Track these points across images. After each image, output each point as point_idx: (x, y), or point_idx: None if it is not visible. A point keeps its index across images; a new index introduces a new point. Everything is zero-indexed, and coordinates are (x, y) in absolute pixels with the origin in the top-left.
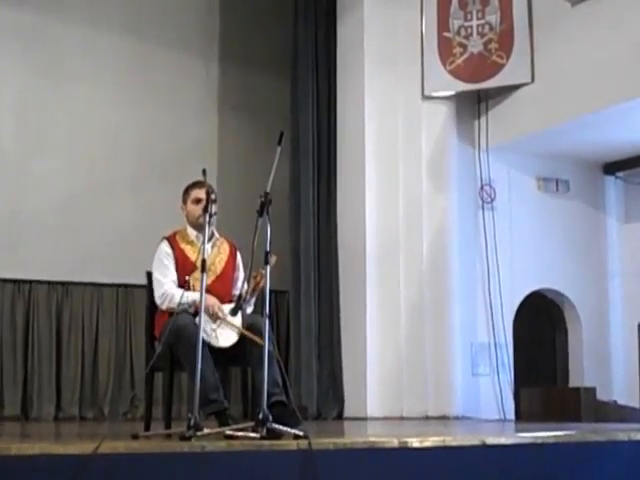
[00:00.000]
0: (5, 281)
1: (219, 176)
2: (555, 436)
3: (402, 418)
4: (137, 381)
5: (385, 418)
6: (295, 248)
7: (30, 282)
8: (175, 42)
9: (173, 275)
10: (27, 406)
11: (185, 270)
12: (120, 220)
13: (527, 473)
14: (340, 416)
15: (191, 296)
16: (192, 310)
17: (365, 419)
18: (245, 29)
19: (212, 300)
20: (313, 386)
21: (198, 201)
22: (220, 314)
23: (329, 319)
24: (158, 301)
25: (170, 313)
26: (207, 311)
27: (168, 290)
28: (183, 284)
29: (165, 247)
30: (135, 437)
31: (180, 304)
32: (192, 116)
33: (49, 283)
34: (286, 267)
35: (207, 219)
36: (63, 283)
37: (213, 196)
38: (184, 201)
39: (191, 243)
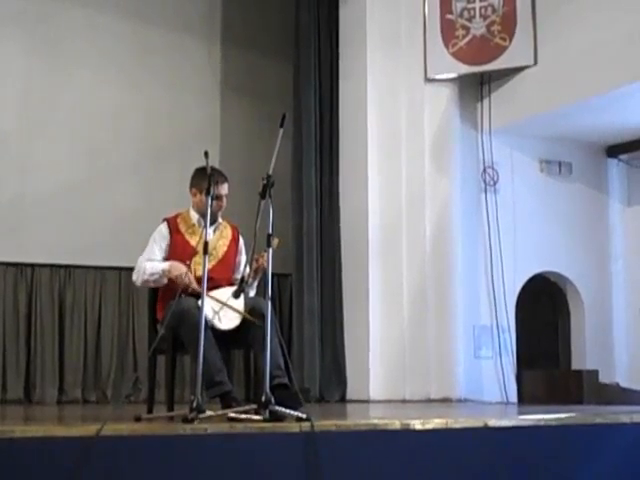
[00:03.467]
0: (7, 265)
1: (221, 159)
2: (557, 418)
3: (404, 401)
4: (140, 364)
5: (387, 401)
6: (298, 231)
7: (32, 265)
8: (177, 25)
9: (154, 254)
10: (30, 389)
11: (184, 254)
12: (122, 203)
13: (529, 455)
14: (343, 399)
15: (159, 266)
16: (165, 280)
17: (368, 402)
18: (247, 11)
19: (180, 268)
20: (316, 369)
21: (217, 197)
22: (187, 280)
23: (332, 302)
24: (133, 277)
25: (172, 296)
26: (177, 280)
27: (140, 264)
28: None
29: (162, 229)
30: (138, 419)
31: (152, 274)
32: (194, 99)
33: (51, 266)
34: (289, 250)
35: (209, 202)
36: (66, 266)
37: (225, 189)
38: (199, 187)
39: (192, 227)
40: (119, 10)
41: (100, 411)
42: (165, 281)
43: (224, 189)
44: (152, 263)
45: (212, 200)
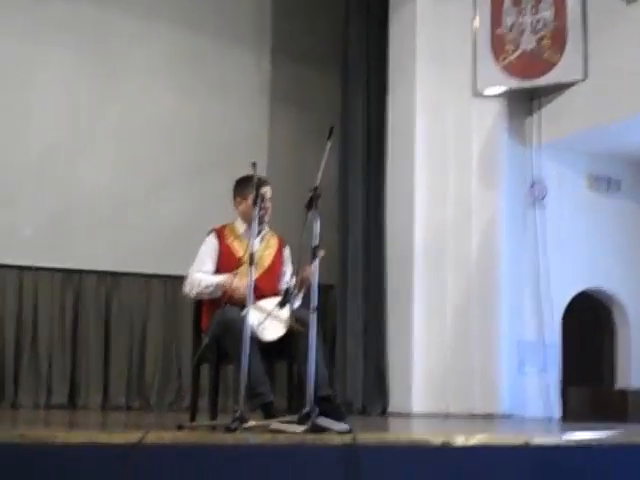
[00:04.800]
0: (55, 270)
1: (269, 169)
2: (600, 438)
3: (447, 415)
4: (184, 372)
5: (430, 415)
6: (343, 243)
7: (80, 272)
8: (228, 35)
9: (208, 267)
10: (75, 394)
11: (231, 265)
12: (170, 212)
13: (572, 474)
14: (385, 412)
15: (217, 278)
16: (219, 293)
17: (410, 415)
18: (297, 23)
19: (238, 283)
20: (358, 381)
21: (262, 200)
22: (238, 293)
23: (375, 314)
24: (186, 289)
25: (217, 306)
26: (235, 293)
27: (195, 276)
28: None
29: (212, 239)
30: (180, 428)
31: (207, 286)
32: (243, 109)
33: (98, 273)
34: (334, 261)
35: (256, 212)
36: (112, 273)
37: (269, 192)
38: (243, 195)
39: (239, 237)
40: (170, 19)
41: (143, 418)
42: (220, 293)
43: (268, 192)
44: (206, 275)
45: (259, 210)
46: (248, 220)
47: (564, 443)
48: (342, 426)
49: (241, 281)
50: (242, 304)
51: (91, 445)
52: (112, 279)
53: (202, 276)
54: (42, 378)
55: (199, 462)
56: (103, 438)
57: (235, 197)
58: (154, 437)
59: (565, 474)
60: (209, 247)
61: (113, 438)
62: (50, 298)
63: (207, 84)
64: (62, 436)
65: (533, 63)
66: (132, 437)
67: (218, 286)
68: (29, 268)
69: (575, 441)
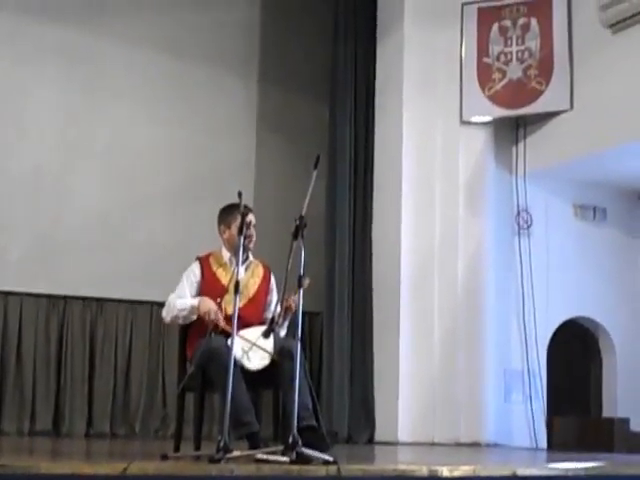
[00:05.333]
0: (40, 296)
1: (256, 196)
2: (587, 468)
3: (433, 444)
4: (169, 399)
5: (416, 443)
6: (330, 270)
7: (65, 298)
8: (215, 62)
9: (185, 294)
10: (59, 421)
11: (215, 293)
12: (155, 238)
13: None
14: (371, 440)
15: (189, 302)
16: (194, 317)
17: (396, 444)
18: (285, 49)
19: (209, 305)
20: (345, 409)
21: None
22: (218, 320)
23: (362, 342)
24: (163, 314)
25: (202, 334)
26: (205, 317)
27: (169, 301)
28: None
29: (194, 268)
30: (164, 458)
31: (181, 310)
32: (230, 136)
33: (83, 299)
34: (320, 289)
35: (241, 241)
36: (97, 299)
37: (253, 219)
38: (227, 223)
39: (223, 265)
40: (157, 46)
41: (128, 446)
42: (194, 317)
43: (252, 219)
44: (182, 300)
45: (244, 238)
46: (232, 248)
47: (551, 473)
48: (327, 457)
49: (211, 304)
50: (227, 333)
51: (75, 476)
52: (97, 305)
53: (178, 300)
54: (26, 404)
55: None
56: (87, 469)
57: (219, 225)
58: (138, 468)
59: None
60: (190, 274)
61: (97, 469)
62: (35, 324)
63: (194, 110)
64: (46, 466)
65: (519, 92)
66: (116, 468)
67: (192, 309)
68: (14, 293)
69: (562, 471)
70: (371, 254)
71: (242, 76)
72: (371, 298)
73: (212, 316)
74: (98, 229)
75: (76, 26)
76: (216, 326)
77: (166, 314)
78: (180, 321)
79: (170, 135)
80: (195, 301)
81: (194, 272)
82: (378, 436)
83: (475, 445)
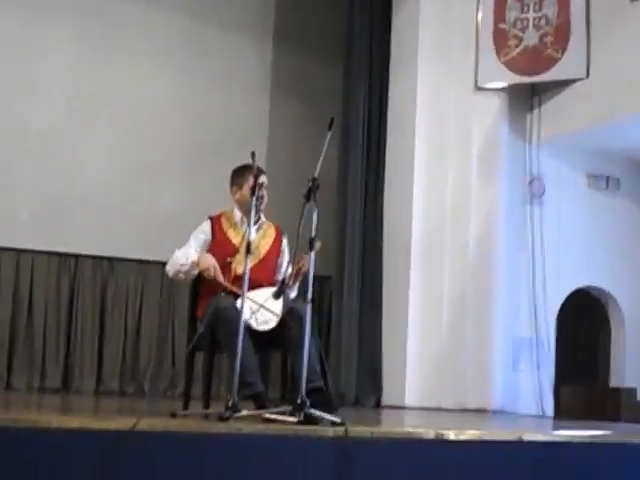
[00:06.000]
0: (51, 254)
1: (268, 159)
2: (592, 436)
3: (440, 409)
4: (178, 359)
5: (423, 408)
6: (340, 234)
7: (76, 256)
8: (230, 23)
9: (190, 248)
10: (68, 378)
11: (226, 252)
12: (168, 198)
13: (563, 471)
14: (378, 404)
15: (190, 258)
16: (195, 272)
17: (403, 408)
18: (300, 12)
19: (209, 261)
20: (352, 373)
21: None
22: (218, 278)
23: (371, 307)
24: (167, 268)
25: (212, 294)
26: (205, 273)
27: (173, 256)
28: (224, 266)
29: (205, 226)
30: (173, 416)
31: (182, 265)
32: (244, 98)
33: (94, 258)
34: (331, 253)
35: (254, 202)
36: (109, 259)
37: (264, 180)
38: (238, 184)
39: (234, 225)
40: (172, 7)
41: (136, 404)
42: (195, 272)
43: (263, 179)
44: (184, 254)
45: (256, 199)
46: (244, 209)
47: (557, 440)
48: (334, 418)
49: (211, 260)
50: (236, 294)
51: (85, 431)
52: (108, 264)
53: (179, 254)
54: (36, 361)
55: (191, 450)
56: (97, 424)
57: (231, 186)
58: (147, 424)
59: (558, 471)
60: (199, 232)
61: (106, 424)
62: (46, 281)
63: (208, 72)
64: (56, 420)
65: (535, 59)
66: (125, 424)
67: (192, 265)
68: (26, 251)
69: (568, 438)
70: (382, 219)
71: (257, 39)
72: (381, 263)
73: (211, 272)
74: (110, 189)
75: None
76: (225, 286)
77: (169, 268)
78: (182, 276)
79: (182, 96)
80: (195, 257)
81: (204, 230)
82: (385, 400)
83: (482, 411)
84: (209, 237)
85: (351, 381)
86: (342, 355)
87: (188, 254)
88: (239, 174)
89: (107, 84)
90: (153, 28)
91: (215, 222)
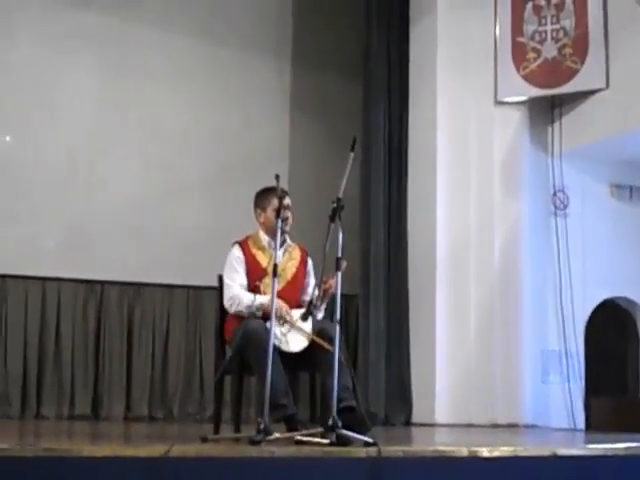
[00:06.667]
0: (78, 281)
1: (290, 179)
2: (626, 448)
3: (470, 425)
4: (206, 383)
5: (453, 425)
6: (365, 252)
7: (102, 283)
8: (249, 44)
9: (242, 279)
10: (97, 405)
11: (255, 275)
12: (191, 221)
13: None
14: (408, 422)
15: (259, 299)
16: (260, 314)
17: (433, 425)
18: (318, 32)
19: (281, 304)
20: (381, 391)
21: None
22: (288, 317)
23: (398, 324)
24: (226, 304)
25: (241, 317)
26: (276, 314)
27: (237, 293)
28: (253, 289)
29: (236, 252)
30: (205, 440)
31: (249, 307)
32: (264, 118)
33: (121, 284)
34: (355, 271)
35: (279, 224)
36: (134, 284)
37: (288, 201)
38: (262, 207)
39: (262, 248)
40: (191, 29)
41: (166, 429)
42: (260, 314)
43: (287, 201)
44: (249, 295)
45: (281, 220)
46: (269, 231)
47: (590, 453)
48: (367, 438)
49: (281, 302)
50: (265, 315)
51: (117, 458)
52: (134, 290)
53: (244, 295)
54: (65, 389)
55: (224, 475)
56: (129, 451)
57: (255, 209)
58: (179, 450)
59: None
60: (238, 262)
61: (139, 451)
62: (73, 309)
63: (229, 92)
64: (87, 449)
65: (554, 71)
66: (157, 450)
67: (260, 307)
68: (52, 279)
69: (602, 450)
70: (406, 236)
71: (275, 59)
72: (406, 280)
73: (284, 314)
74: (133, 214)
75: (109, 11)
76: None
77: (230, 306)
78: (245, 314)
79: (203, 119)
80: (264, 300)
81: (238, 256)
82: (415, 418)
83: (512, 426)
84: (243, 261)
85: (380, 399)
86: (370, 374)
87: (252, 295)
88: (262, 197)
89: (128, 108)
90: (173, 51)
91: (244, 246)
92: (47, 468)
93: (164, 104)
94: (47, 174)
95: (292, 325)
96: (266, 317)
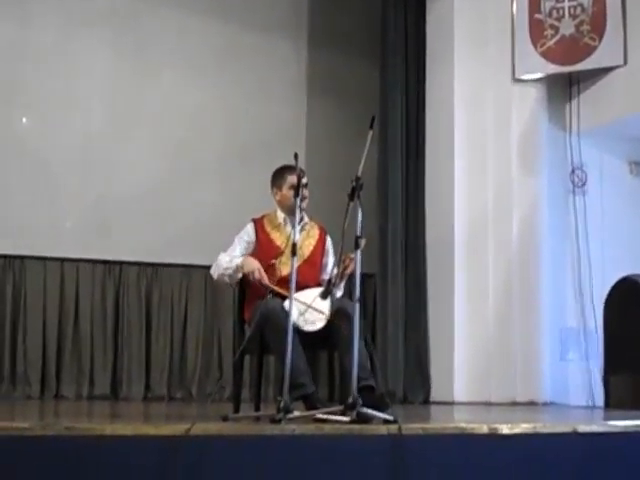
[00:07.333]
0: (96, 262)
1: (307, 160)
2: None
3: (489, 403)
4: (225, 363)
5: (472, 403)
6: (383, 231)
7: (120, 263)
8: (264, 26)
9: (235, 252)
10: (117, 385)
11: (270, 254)
12: (208, 202)
13: (618, 461)
14: (427, 400)
15: (234, 261)
16: (239, 276)
17: (452, 404)
18: (334, 12)
19: (253, 265)
20: (400, 370)
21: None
22: (263, 280)
23: (416, 302)
24: (211, 271)
25: (260, 297)
26: (249, 276)
27: (218, 259)
28: (268, 268)
29: (249, 228)
30: (225, 419)
31: (226, 268)
32: (280, 100)
33: (139, 264)
34: (373, 250)
35: (298, 203)
36: (152, 264)
37: (305, 180)
38: (278, 185)
39: (278, 227)
40: (206, 11)
41: (186, 409)
42: (239, 276)
43: (303, 179)
44: (229, 257)
45: (300, 200)
46: (285, 209)
47: (611, 430)
48: (387, 416)
49: (255, 263)
50: (284, 295)
51: (138, 437)
52: (152, 270)
53: (224, 258)
54: (84, 369)
55: (245, 453)
56: (150, 430)
57: (272, 188)
58: (200, 429)
59: (614, 461)
60: (242, 234)
61: (160, 430)
62: (91, 290)
63: (244, 74)
64: (109, 428)
65: (572, 48)
66: (178, 429)
67: (237, 268)
68: (70, 260)
69: (622, 427)
70: (424, 215)
71: (291, 40)
72: (425, 258)
73: (256, 275)
74: (151, 195)
75: None
76: (271, 288)
77: (213, 271)
78: (226, 279)
79: (219, 100)
80: (239, 260)
81: (248, 232)
82: (434, 396)
83: (531, 404)
84: (253, 239)
85: (398, 378)
86: (389, 352)
87: (232, 257)
88: (278, 175)
89: (143, 90)
90: (189, 33)
91: (258, 224)
92: (68, 447)
93: (181, 86)
94: (65, 156)
95: (307, 304)
96: (275, 292)
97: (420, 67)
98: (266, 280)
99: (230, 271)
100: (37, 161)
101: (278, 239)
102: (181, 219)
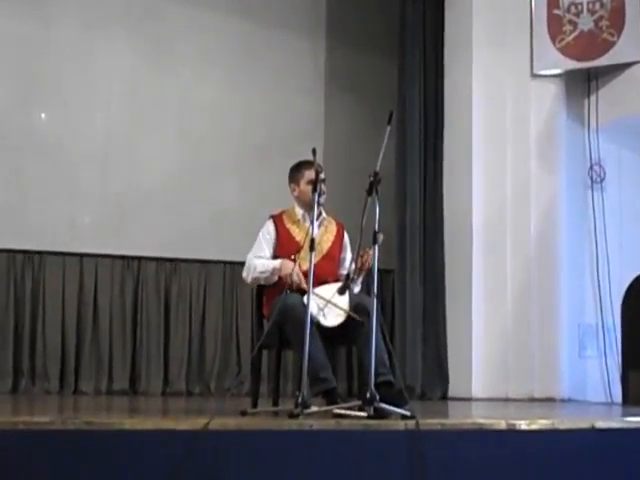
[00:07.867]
0: (114, 257)
1: (325, 156)
2: None
3: (507, 399)
4: (243, 358)
5: (490, 399)
6: (401, 227)
7: (139, 259)
8: (282, 22)
9: (265, 252)
10: (135, 380)
11: (290, 250)
12: (227, 198)
13: (636, 457)
14: (444, 396)
15: (270, 264)
16: (275, 278)
17: (470, 399)
18: (352, 8)
19: (290, 267)
20: (418, 365)
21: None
22: (300, 282)
23: (434, 298)
24: (243, 274)
25: (278, 291)
26: (287, 279)
27: (251, 262)
28: None
29: (269, 226)
30: (244, 414)
31: (262, 272)
32: (298, 96)
33: (157, 260)
34: (392, 246)
35: (316, 198)
36: (171, 260)
37: (322, 175)
38: (296, 181)
39: (297, 222)
40: (224, 8)
41: (204, 404)
42: (275, 279)
43: (322, 175)
44: (262, 261)
45: (318, 195)
46: (303, 205)
47: (629, 426)
48: (405, 411)
49: (293, 266)
50: (302, 290)
51: (158, 431)
52: (171, 265)
53: (258, 261)
54: (103, 364)
55: (263, 448)
56: (169, 424)
57: (289, 184)
58: (219, 423)
59: (631, 457)
60: (266, 233)
61: (179, 424)
62: (110, 285)
63: (263, 71)
64: (129, 422)
65: (591, 44)
66: (197, 423)
67: (273, 271)
68: (89, 255)
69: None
70: (442, 210)
71: (309, 36)
72: (443, 254)
73: (294, 278)
74: (170, 191)
75: None
76: (291, 284)
77: (246, 275)
78: (262, 282)
79: (238, 96)
80: (276, 263)
81: (269, 230)
82: (452, 392)
83: (549, 400)
84: (274, 236)
85: (417, 374)
86: (407, 348)
87: (264, 260)
88: (295, 171)
89: (162, 87)
90: (208, 29)
91: (277, 220)
92: (88, 441)
93: (198, 83)
94: (84, 151)
95: (326, 300)
96: (296, 288)
97: (438, 62)
98: (304, 283)
99: (267, 274)
100: (56, 157)
101: (298, 235)
102: (200, 214)
